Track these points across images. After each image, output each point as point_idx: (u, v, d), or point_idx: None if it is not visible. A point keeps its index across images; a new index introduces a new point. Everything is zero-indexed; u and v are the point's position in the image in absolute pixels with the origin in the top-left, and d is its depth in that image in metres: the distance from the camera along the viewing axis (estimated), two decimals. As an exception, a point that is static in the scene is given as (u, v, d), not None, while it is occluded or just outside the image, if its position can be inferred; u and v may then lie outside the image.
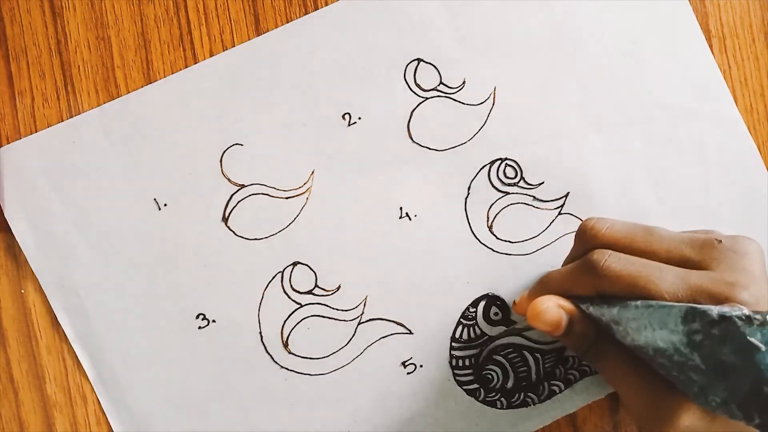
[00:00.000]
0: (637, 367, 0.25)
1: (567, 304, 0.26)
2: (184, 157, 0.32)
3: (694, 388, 0.22)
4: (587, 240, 0.27)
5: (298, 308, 0.31)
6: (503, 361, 0.32)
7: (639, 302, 0.23)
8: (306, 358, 0.31)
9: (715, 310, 0.21)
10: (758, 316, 0.20)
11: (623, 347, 0.25)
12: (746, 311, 0.20)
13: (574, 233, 0.28)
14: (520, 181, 0.32)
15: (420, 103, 0.32)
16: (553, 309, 0.26)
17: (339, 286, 0.32)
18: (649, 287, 0.23)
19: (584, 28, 0.33)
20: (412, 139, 0.32)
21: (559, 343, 0.32)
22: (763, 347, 0.20)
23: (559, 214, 0.32)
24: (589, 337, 0.27)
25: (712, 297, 0.22)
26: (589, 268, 0.25)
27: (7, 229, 0.31)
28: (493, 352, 0.32)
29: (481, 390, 0.31)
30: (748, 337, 0.20)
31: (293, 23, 0.32)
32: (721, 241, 0.24)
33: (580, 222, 0.30)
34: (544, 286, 0.28)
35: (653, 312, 0.23)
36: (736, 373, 0.20)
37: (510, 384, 0.32)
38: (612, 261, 0.25)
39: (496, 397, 0.31)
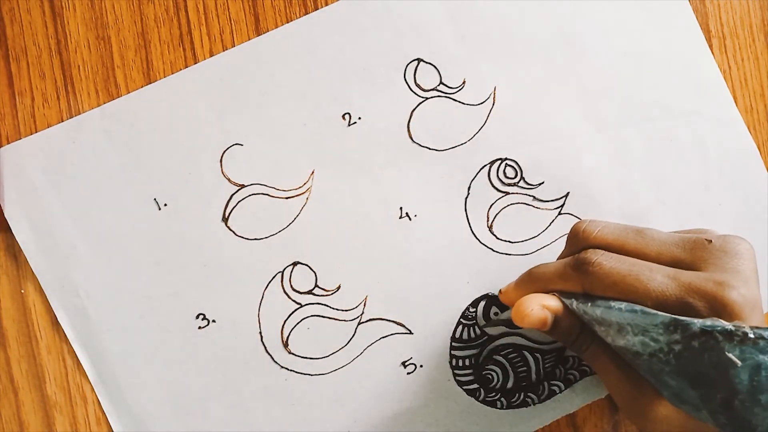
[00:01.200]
0: (619, 359, 0.26)
1: (552, 303, 0.26)
2: (184, 157, 0.32)
3: (668, 391, 0.23)
4: (579, 241, 0.27)
5: (298, 308, 0.31)
6: (503, 361, 0.32)
7: (623, 305, 0.24)
8: (306, 358, 0.31)
9: (697, 323, 0.21)
10: (739, 333, 0.20)
11: (605, 341, 0.26)
12: (728, 326, 0.21)
13: (567, 236, 0.28)
14: (520, 181, 0.32)
15: (420, 103, 0.32)
16: (538, 311, 0.26)
17: (339, 286, 0.32)
18: (636, 286, 0.24)
19: (584, 28, 0.33)
20: (412, 139, 0.32)
21: (560, 343, 0.32)
22: (739, 363, 0.20)
23: (559, 214, 0.32)
24: (574, 331, 0.27)
25: (702, 296, 0.23)
26: (580, 265, 0.25)
27: (7, 229, 0.31)
28: (493, 352, 0.32)
29: (481, 390, 0.31)
30: (727, 353, 0.20)
31: (293, 23, 0.32)
32: (711, 241, 0.24)
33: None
34: (532, 279, 0.28)
35: (636, 317, 0.23)
36: (710, 384, 0.21)
37: (510, 384, 0.32)
38: (603, 259, 0.25)
39: (496, 397, 0.31)
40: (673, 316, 0.22)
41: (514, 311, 0.27)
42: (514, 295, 0.28)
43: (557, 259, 0.30)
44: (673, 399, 0.23)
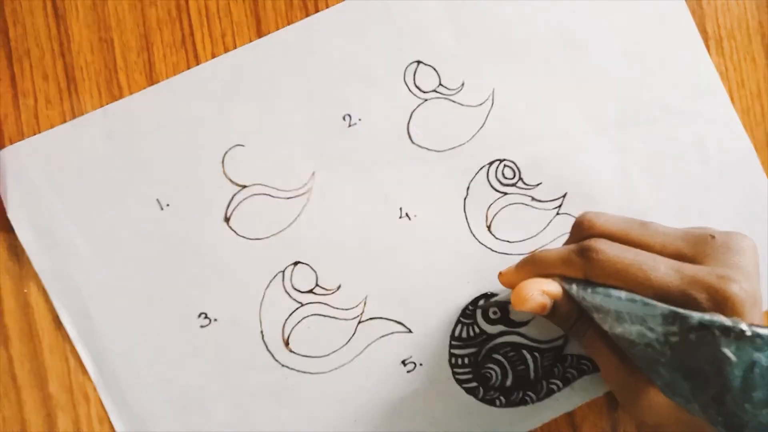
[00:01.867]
0: (615, 346, 0.26)
1: (552, 289, 0.26)
2: (186, 158, 0.32)
3: (661, 381, 0.23)
4: (583, 231, 0.27)
5: (299, 307, 0.32)
6: (502, 359, 0.32)
7: (623, 294, 0.24)
8: (306, 356, 0.32)
9: (696, 317, 0.21)
10: (736, 329, 0.20)
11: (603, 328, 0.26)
12: (726, 322, 0.21)
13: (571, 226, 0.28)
14: (518, 181, 0.32)
15: (419, 105, 0.32)
16: (538, 297, 0.26)
17: (339, 286, 0.32)
18: (639, 275, 0.24)
19: (583, 29, 0.33)
20: (411, 140, 0.32)
21: (559, 341, 0.32)
22: (734, 359, 0.20)
23: (557, 214, 0.32)
24: (572, 317, 0.27)
25: (704, 289, 0.23)
26: (584, 251, 0.25)
27: (10, 229, 0.31)
28: (492, 350, 0.32)
29: (480, 388, 0.32)
30: (723, 349, 0.20)
31: (294, 25, 0.32)
32: (714, 236, 0.25)
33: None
34: (534, 262, 0.28)
35: (635, 307, 0.23)
36: (703, 379, 0.21)
37: (509, 382, 0.32)
38: (607, 247, 0.25)
39: (495, 396, 0.32)
40: (672, 308, 0.22)
41: (514, 296, 0.27)
42: (515, 278, 0.28)
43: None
44: (665, 390, 0.23)
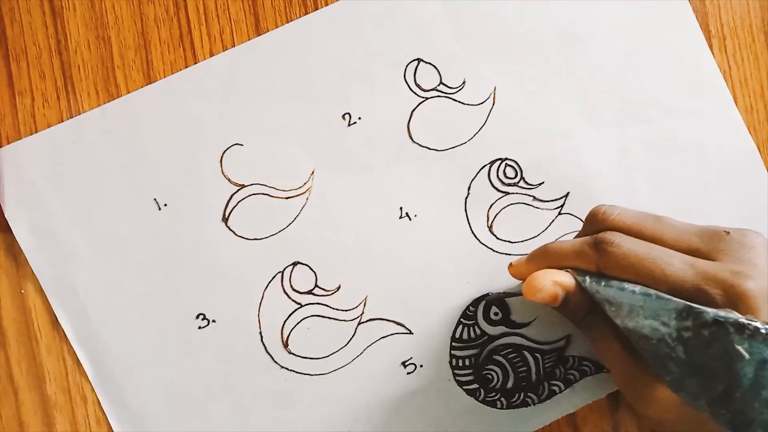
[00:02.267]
0: (624, 341, 0.26)
1: (565, 280, 0.26)
2: (185, 157, 0.32)
3: (670, 377, 0.23)
4: (597, 223, 0.27)
5: (298, 308, 0.32)
6: (503, 361, 0.32)
7: (637, 288, 0.24)
8: (306, 358, 0.31)
9: (711, 312, 0.21)
10: (750, 327, 0.20)
11: (613, 322, 0.26)
12: (741, 319, 0.21)
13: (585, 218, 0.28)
14: (520, 181, 0.32)
15: (420, 103, 0.32)
16: (550, 287, 0.26)
17: (339, 286, 0.32)
18: (653, 270, 0.24)
19: (584, 28, 0.33)
20: (412, 139, 0.32)
21: (560, 343, 0.32)
22: (747, 356, 0.20)
23: (559, 214, 0.32)
24: (583, 310, 0.27)
25: (718, 285, 0.23)
26: (598, 244, 0.25)
27: (7, 230, 0.31)
28: (493, 352, 0.32)
29: (481, 390, 0.32)
30: (736, 345, 0.20)
31: (293, 23, 0.32)
32: (729, 232, 0.25)
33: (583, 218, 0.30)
34: (547, 254, 0.28)
35: (648, 301, 0.23)
36: (713, 375, 0.21)
37: (510, 384, 0.32)
38: (622, 241, 0.25)
39: (496, 397, 0.31)
40: (687, 303, 0.22)
41: (525, 285, 0.27)
42: (525, 270, 0.28)
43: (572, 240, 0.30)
44: (674, 385, 0.23)
